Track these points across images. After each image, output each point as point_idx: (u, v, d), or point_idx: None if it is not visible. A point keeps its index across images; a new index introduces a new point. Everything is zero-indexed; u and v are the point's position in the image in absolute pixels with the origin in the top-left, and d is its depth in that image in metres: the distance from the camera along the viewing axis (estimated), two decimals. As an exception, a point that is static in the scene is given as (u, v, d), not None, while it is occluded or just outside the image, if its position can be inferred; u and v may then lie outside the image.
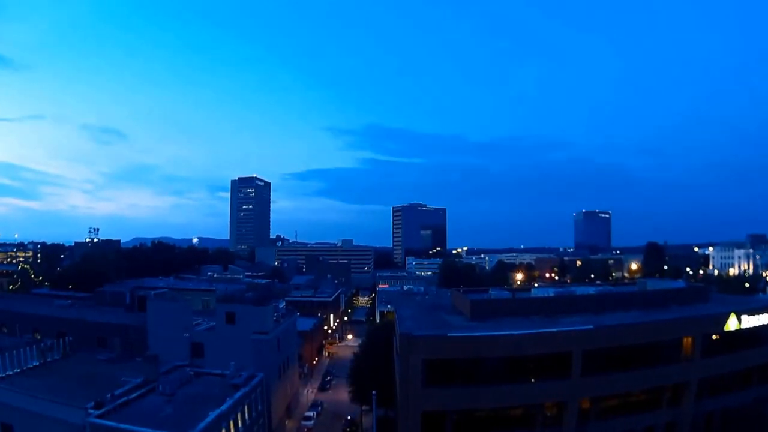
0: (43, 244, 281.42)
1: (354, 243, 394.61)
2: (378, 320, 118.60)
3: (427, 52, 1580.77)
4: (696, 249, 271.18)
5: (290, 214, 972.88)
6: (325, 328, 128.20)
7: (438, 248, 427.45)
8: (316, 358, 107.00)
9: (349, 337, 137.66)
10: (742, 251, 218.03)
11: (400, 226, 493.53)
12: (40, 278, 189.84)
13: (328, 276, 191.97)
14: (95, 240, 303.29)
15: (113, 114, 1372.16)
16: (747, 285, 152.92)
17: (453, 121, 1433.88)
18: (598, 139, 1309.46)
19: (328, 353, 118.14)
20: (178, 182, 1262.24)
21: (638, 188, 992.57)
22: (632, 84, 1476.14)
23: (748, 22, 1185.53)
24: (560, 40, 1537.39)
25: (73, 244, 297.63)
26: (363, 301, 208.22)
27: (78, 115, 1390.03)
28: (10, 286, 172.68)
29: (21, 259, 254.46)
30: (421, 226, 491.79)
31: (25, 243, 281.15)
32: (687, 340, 47.10)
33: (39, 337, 59.31)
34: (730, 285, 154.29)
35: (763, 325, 50.27)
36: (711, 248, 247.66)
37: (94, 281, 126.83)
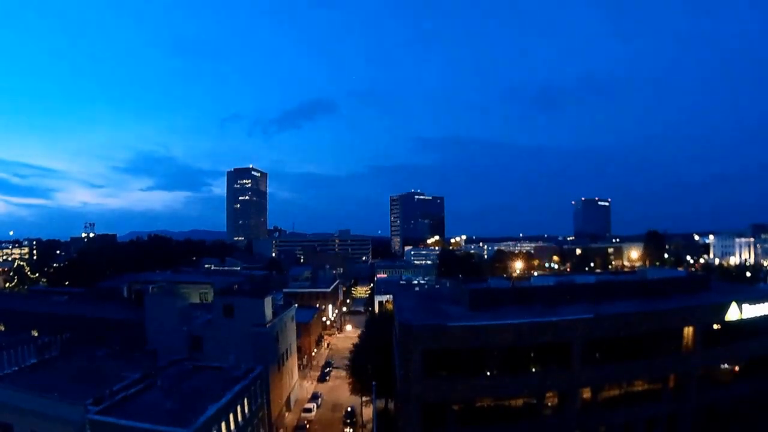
0: (39, 240, 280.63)
1: (351, 233, 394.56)
2: (376, 310, 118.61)
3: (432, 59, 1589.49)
4: (696, 237, 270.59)
5: (287, 205, 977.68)
6: (324, 318, 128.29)
7: (436, 237, 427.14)
8: (315, 349, 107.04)
9: (348, 327, 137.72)
10: (743, 240, 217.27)
11: (397, 215, 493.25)
12: (36, 275, 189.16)
13: (326, 266, 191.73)
14: (91, 235, 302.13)
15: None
16: (748, 274, 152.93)
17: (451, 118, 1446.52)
18: (598, 127, 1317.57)
19: (327, 344, 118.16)
20: (191, 175, 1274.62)
21: (639, 176, 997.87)
22: (636, 72, 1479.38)
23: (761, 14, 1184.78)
24: (559, 22, 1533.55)
25: (69, 240, 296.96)
26: (361, 291, 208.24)
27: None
28: (6, 284, 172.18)
29: (16, 256, 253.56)
30: (419, 215, 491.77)
31: (21, 240, 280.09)
32: (688, 330, 46.86)
33: (37, 334, 59.00)
34: (730, 274, 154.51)
35: (765, 315, 49.76)
36: (712, 237, 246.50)
37: (91, 276, 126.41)
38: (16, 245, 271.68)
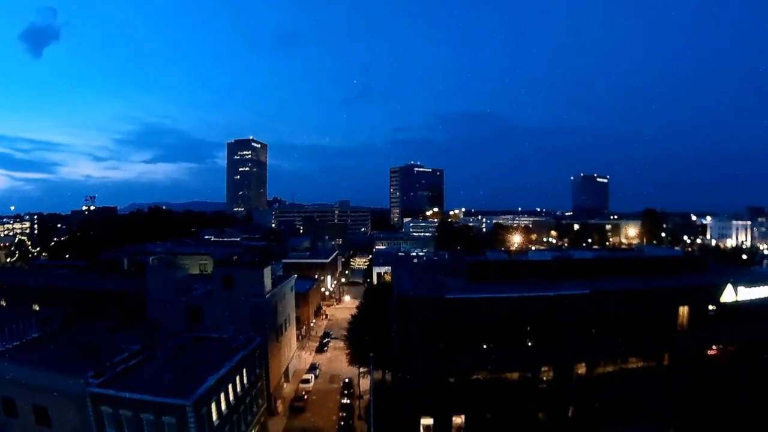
0: (40, 214, 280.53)
1: (351, 204, 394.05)
2: (375, 281, 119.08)
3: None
4: (693, 218, 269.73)
5: (287, 176, 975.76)
6: (323, 289, 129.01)
7: (435, 209, 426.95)
8: (314, 320, 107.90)
9: (347, 298, 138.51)
10: (740, 223, 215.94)
11: (397, 186, 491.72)
12: (38, 249, 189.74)
13: (326, 237, 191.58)
14: (92, 208, 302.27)
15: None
16: (744, 257, 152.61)
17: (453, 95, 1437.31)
18: (598, 104, 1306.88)
19: (326, 315, 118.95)
20: (196, 147, 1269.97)
21: (638, 154, 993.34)
22: (637, 49, 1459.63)
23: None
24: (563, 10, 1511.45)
25: (69, 213, 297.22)
26: (360, 262, 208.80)
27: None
28: (8, 259, 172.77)
29: (18, 231, 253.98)
30: (419, 187, 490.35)
31: (22, 214, 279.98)
32: (683, 309, 47.03)
33: (38, 308, 59.31)
34: (727, 256, 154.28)
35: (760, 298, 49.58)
36: (709, 218, 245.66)
37: (91, 249, 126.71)
38: (18, 220, 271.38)
